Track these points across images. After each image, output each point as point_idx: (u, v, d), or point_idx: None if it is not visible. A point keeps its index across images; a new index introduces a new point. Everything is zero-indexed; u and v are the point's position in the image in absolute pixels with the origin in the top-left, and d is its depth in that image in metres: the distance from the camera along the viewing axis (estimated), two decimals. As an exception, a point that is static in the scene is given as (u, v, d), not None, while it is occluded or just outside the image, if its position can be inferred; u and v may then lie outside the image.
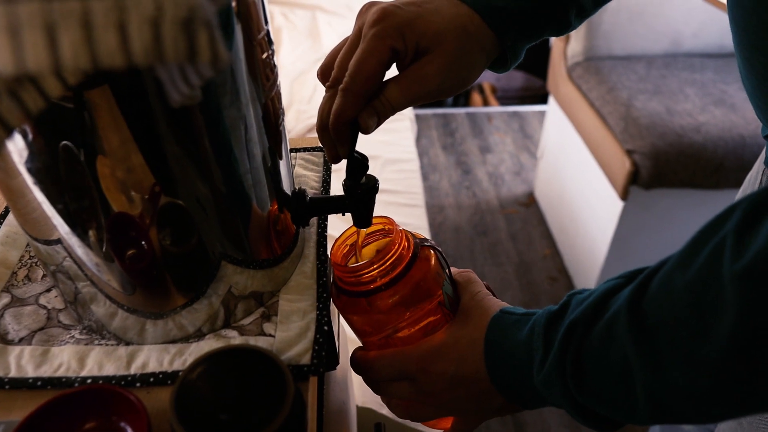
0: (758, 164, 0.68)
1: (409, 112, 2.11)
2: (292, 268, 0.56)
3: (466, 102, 3.43)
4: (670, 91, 1.90)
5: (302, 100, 1.94)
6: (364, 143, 1.68)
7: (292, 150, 0.70)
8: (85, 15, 0.22)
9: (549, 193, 2.51)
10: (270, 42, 0.46)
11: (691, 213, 1.82)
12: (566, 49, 2.18)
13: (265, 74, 0.44)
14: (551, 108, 2.39)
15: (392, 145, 1.73)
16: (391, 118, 0.51)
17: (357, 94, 0.46)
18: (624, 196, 1.78)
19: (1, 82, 0.27)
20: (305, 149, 0.70)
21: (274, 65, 0.47)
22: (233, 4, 0.37)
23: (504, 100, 3.48)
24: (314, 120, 1.83)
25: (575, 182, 2.19)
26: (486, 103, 3.38)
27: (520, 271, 2.30)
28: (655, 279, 0.39)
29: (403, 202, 1.48)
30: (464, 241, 2.43)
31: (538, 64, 3.17)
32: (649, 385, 0.37)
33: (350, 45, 0.48)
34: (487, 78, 3.44)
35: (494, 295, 0.55)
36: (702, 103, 1.83)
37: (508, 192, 2.71)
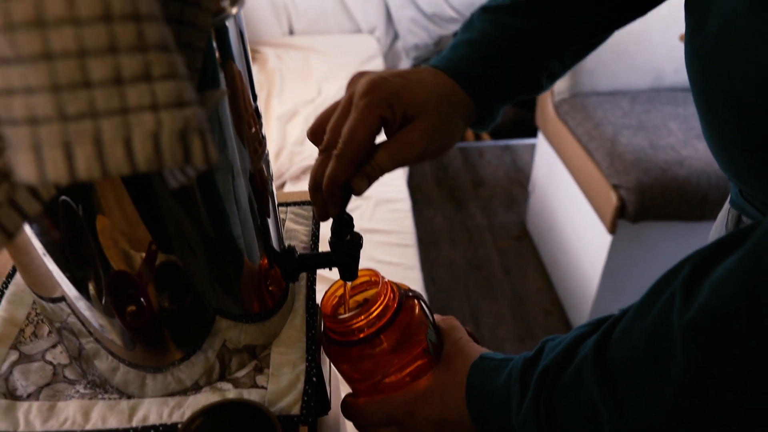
0: (727, 203, 0.72)
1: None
2: (283, 322, 0.59)
3: (458, 137, 3.48)
4: (654, 126, 1.95)
5: (296, 142, 1.99)
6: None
7: (282, 204, 0.74)
8: (97, 133, 0.26)
9: (541, 226, 2.55)
10: (258, 116, 0.50)
11: (678, 244, 1.86)
12: (553, 86, 2.24)
13: (253, 148, 0.48)
14: (540, 142, 2.44)
15: (384, 185, 1.77)
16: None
17: (350, 160, 0.50)
18: (612, 229, 1.82)
19: (23, 186, 0.31)
20: (295, 203, 0.74)
21: (263, 137, 0.51)
22: (225, 96, 0.41)
23: (495, 134, 3.53)
24: (307, 161, 1.88)
25: (565, 216, 2.24)
26: (478, 137, 3.44)
27: (514, 304, 2.33)
28: (618, 327, 0.43)
29: (395, 242, 1.52)
30: (458, 275, 2.47)
31: (527, 99, 3.24)
32: (614, 425, 0.41)
33: (342, 111, 0.53)
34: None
35: (476, 340, 0.59)
36: (685, 137, 1.88)
37: (501, 225, 2.75)
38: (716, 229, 0.76)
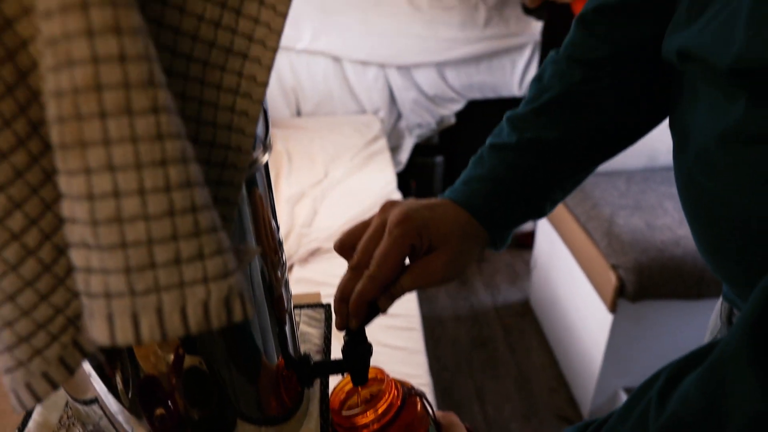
0: (721, 297, 0.77)
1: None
2: (298, 426, 0.64)
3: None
4: (650, 206, 2.02)
5: (303, 224, 2.06)
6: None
7: (296, 307, 0.80)
8: (159, 305, 0.32)
9: (543, 302, 2.58)
10: (280, 244, 0.56)
11: (677, 322, 1.89)
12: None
13: (276, 276, 0.54)
14: (541, 220, 2.51)
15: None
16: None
17: (381, 282, 0.57)
18: (613, 308, 1.85)
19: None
20: (308, 306, 0.80)
21: (284, 262, 0.57)
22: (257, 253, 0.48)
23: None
24: (315, 243, 1.94)
25: (567, 293, 2.28)
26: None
27: (519, 382, 2.34)
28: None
29: (401, 326, 1.56)
30: (463, 354, 2.49)
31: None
32: None
33: (374, 235, 0.59)
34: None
35: None
36: (680, 216, 1.94)
37: (505, 302, 2.78)
38: (713, 320, 0.81)
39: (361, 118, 2.97)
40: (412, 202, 0.62)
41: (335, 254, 0.64)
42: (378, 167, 2.50)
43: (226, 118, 0.41)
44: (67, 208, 0.32)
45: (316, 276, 1.82)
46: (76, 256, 0.32)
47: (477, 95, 3.01)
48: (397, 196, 2.28)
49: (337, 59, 2.90)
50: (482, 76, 2.96)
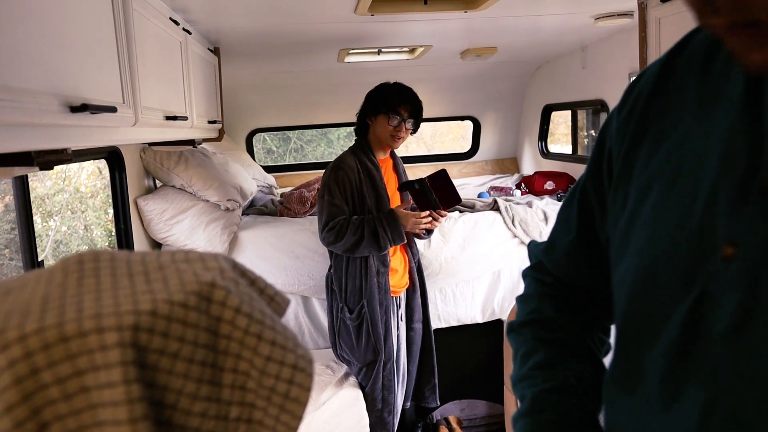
0: None
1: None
2: None
3: (434, 439, 3.51)
4: None
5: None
6: None
7: None
8: None
9: None
10: None
11: None
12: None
13: None
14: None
15: None
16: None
17: None
18: None
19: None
20: None
21: None
22: None
23: (469, 429, 3.58)
24: None
25: None
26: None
27: None
28: None
29: None
30: None
31: (497, 391, 3.37)
32: None
33: None
34: (452, 411, 3.59)
35: None
36: None
37: None
38: None
39: (330, 353, 3.04)
40: None
41: None
42: (348, 404, 2.52)
43: None
44: None
45: None
46: None
47: (442, 324, 3.14)
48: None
49: (306, 297, 3.03)
50: (449, 307, 3.12)
